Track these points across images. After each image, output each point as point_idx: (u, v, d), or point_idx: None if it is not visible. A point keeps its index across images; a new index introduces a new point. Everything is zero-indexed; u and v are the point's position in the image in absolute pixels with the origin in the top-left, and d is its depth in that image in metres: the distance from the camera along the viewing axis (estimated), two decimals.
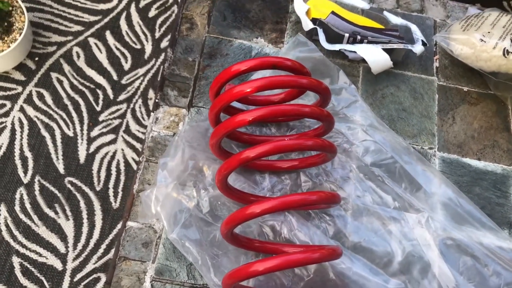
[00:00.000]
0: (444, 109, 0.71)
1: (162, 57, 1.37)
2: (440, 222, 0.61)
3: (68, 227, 1.17)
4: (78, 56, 1.35)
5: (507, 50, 0.67)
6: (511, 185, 0.66)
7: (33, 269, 1.12)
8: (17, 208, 1.17)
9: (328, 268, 0.57)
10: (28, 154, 1.23)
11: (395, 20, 0.75)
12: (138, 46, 1.38)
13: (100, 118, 1.29)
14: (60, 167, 1.22)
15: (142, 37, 1.39)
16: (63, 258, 1.14)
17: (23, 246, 1.14)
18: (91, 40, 1.37)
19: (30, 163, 1.22)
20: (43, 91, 1.30)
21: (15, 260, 1.12)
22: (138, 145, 1.27)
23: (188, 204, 0.58)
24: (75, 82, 1.32)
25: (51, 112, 1.28)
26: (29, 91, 1.30)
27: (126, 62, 1.36)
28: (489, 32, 0.68)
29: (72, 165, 1.23)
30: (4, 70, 1.30)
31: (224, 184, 0.56)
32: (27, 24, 1.25)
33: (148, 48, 1.38)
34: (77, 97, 1.30)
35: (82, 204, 1.19)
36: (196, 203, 0.58)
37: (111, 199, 1.21)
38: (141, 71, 1.35)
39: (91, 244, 1.16)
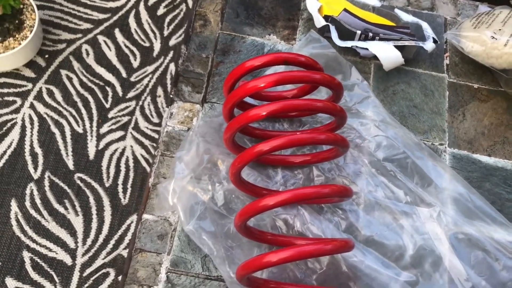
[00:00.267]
0: (455, 105, 0.71)
1: (170, 54, 1.38)
2: (451, 217, 0.62)
3: (77, 222, 1.18)
4: (88, 54, 1.36)
5: None
6: None
7: (43, 264, 1.13)
8: (27, 203, 1.18)
9: (341, 261, 0.58)
10: (38, 150, 1.24)
11: (406, 17, 0.75)
12: (147, 44, 1.39)
13: (109, 115, 1.30)
14: (70, 163, 1.23)
15: (151, 35, 1.40)
16: (72, 253, 1.15)
17: (34, 241, 1.15)
18: (100, 38, 1.38)
19: (40, 159, 1.23)
20: (53, 88, 1.31)
21: (26, 255, 1.14)
22: (147, 142, 1.28)
23: (203, 197, 0.59)
24: (85, 79, 1.33)
25: (60, 109, 1.29)
26: (39, 88, 1.31)
27: (135, 60, 1.37)
28: (500, 30, 0.69)
29: (82, 162, 1.24)
30: (14, 67, 1.31)
31: (237, 177, 0.57)
32: (38, 22, 1.26)
33: (157, 46, 1.39)
34: (86, 94, 1.32)
35: (91, 200, 1.20)
36: (211, 196, 0.59)
37: (120, 195, 1.22)
38: (149, 68, 1.36)
39: (100, 240, 1.17)
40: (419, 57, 0.74)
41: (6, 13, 1.22)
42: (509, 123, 0.71)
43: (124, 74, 1.35)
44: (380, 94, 0.71)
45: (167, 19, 1.43)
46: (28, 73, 1.32)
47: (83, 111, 1.30)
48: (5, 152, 1.23)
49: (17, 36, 1.25)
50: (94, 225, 1.18)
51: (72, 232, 1.17)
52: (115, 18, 1.41)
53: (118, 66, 1.36)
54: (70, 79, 1.33)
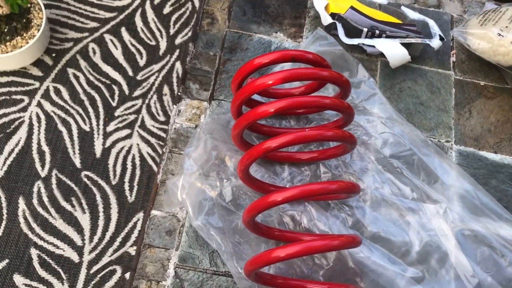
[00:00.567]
0: (461, 103, 0.72)
1: (176, 53, 1.39)
2: (458, 213, 0.62)
3: (84, 220, 1.19)
4: (94, 52, 1.37)
5: None
6: None
7: (50, 261, 1.14)
8: (35, 201, 1.19)
9: (347, 257, 0.59)
10: (45, 148, 1.25)
11: (413, 15, 0.76)
12: (153, 43, 1.40)
13: (116, 114, 1.31)
14: (77, 161, 1.24)
15: (157, 33, 1.41)
16: (79, 250, 1.16)
17: (41, 238, 1.16)
18: (107, 37, 1.39)
19: (48, 157, 1.24)
20: (60, 87, 1.32)
21: (33, 252, 1.15)
22: (153, 140, 1.29)
23: (211, 193, 0.59)
24: (91, 78, 1.34)
25: (67, 107, 1.30)
26: (46, 86, 1.32)
27: (141, 58, 1.38)
28: (506, 27, 0.69)
29: (89, 159, 1.25)
30: (22, 66, 1.32)
31: (246, 173, 0.58)
32: (45, 21, 1.27)
33: (163, 45, 1.40)
34: (93, 92, 1.32)
35: (98, 197, 1.21)
36: (219, 192, 0.60)
37: (127, 193, 1.22)
38: (156, 67, 1.37)
39: (107, 237, 1.18)
40: (425, 54, 0.74)
41: (14, 12, 1.23)
42: None
43: (130, 73, 1.36)
44: (386, 91, 0.71)
45: (173, 18, 1.44)
46: (36, 71, 1.33)
47: (90, 109, 1.30)
48: (12, 150, 1.24)
49: (24, 35, 1.26)
50: (100, 222, 1.19)
51: (79, 230, 1.18)
52: (121, 17, 1.42)
53: (125, 64, 1.36)
54: (77, 77, 1.34)
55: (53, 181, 1.22)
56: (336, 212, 0.62)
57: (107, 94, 1.33)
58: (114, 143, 1.28)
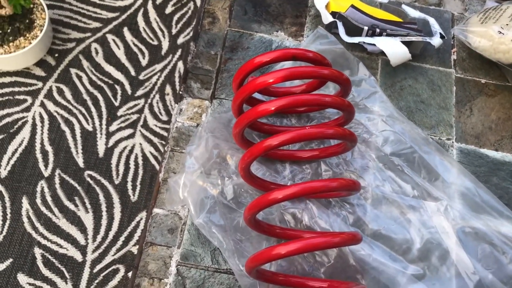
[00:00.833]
0: (462, 100, 0.72)
1: (178, 53, 1.40)
2: (459, 211, 0.62)
3: (87, 219, 1.20)
4: (97, 52, 1.38)
5: None
6: None
7: (54, 260, 1.15)
8: (38, 200, 1.20)
9: (348, 254, 0.59)
10: (48, 148, 1.26)
11: (413, 13, 0.76)
12: (155, 42, 1.40)
13: (119, 113, 1.31)
14: (80, 161, 1.25)
15: (159, 33, 1.42)
16: (83, 249, 1.17)
17: (45, 237, 1.17)
18: (109, 37, 1.40)
19: (51, 157, 1.25)
20: (63, 87, 1.33)
21: (37, 251, 1.15)
22: (155, 140, 1.29)
23: (213, 191, 0.60)
24: (94, 78, 1.35)
25: (70, 107, 1.31)
26: (49, 86, 1.33)
27: (144, 58, 1.38)
28: (507, 25, 0.69)
29: (92, 159, 1.25)
30: (25, 66, 1.33)
31: (247, 172, 0.58)
32: (48, 21, 1.27)
33: (165, 44, 1.40)
34: (96, 92, 1.33)
35: (101, 197, 1.22)
36: (220, 190, 0.60)
37: (130, 192, 1.23)
38: (158, 67, 1.37)
39: (110, 236, 1.18)
40: (426, 52, 0.74)
41: (16, 13, 1.24)
42: None
43: (132, 73, 1.36)
44: (387, 89, 0.71)
45: (175, 18, 1.44)
46: (39, 72, 1.34)
47: (93, 109, 1.31)
48: (16, 150, 1.25)
49: (27, 35, 1.26)
50: (104, 222, 1.20)
51: (82, 229, 1.19)
52: (123, 17, 1.43)
53: (127, 64, 1.37)
54: (79, 77, 1.34)
55: (56, 180, 1.22)
56: (337, 210, 0.62)
57: (109, 94, 1.33)
58: (117, 142, 1.28)
